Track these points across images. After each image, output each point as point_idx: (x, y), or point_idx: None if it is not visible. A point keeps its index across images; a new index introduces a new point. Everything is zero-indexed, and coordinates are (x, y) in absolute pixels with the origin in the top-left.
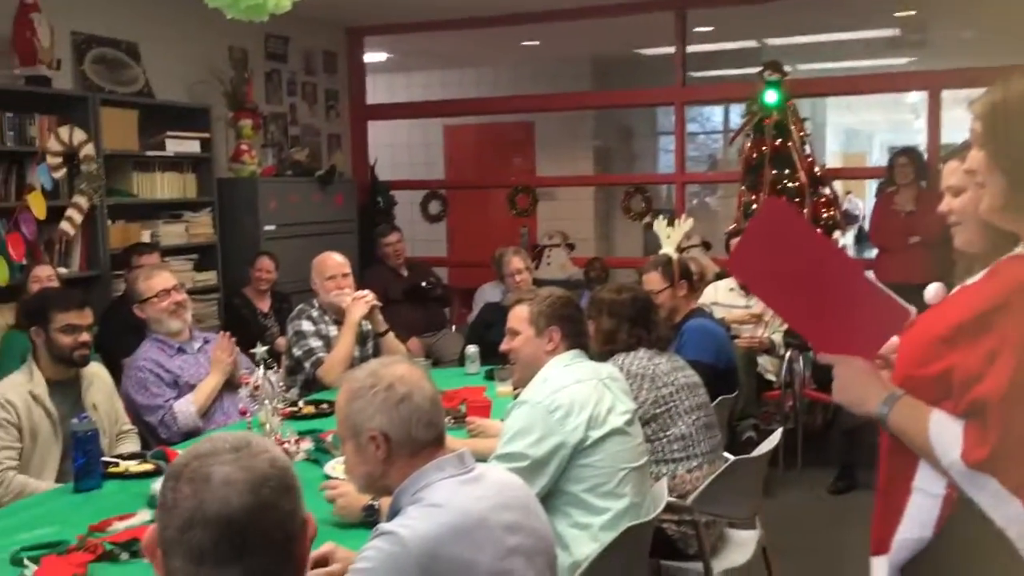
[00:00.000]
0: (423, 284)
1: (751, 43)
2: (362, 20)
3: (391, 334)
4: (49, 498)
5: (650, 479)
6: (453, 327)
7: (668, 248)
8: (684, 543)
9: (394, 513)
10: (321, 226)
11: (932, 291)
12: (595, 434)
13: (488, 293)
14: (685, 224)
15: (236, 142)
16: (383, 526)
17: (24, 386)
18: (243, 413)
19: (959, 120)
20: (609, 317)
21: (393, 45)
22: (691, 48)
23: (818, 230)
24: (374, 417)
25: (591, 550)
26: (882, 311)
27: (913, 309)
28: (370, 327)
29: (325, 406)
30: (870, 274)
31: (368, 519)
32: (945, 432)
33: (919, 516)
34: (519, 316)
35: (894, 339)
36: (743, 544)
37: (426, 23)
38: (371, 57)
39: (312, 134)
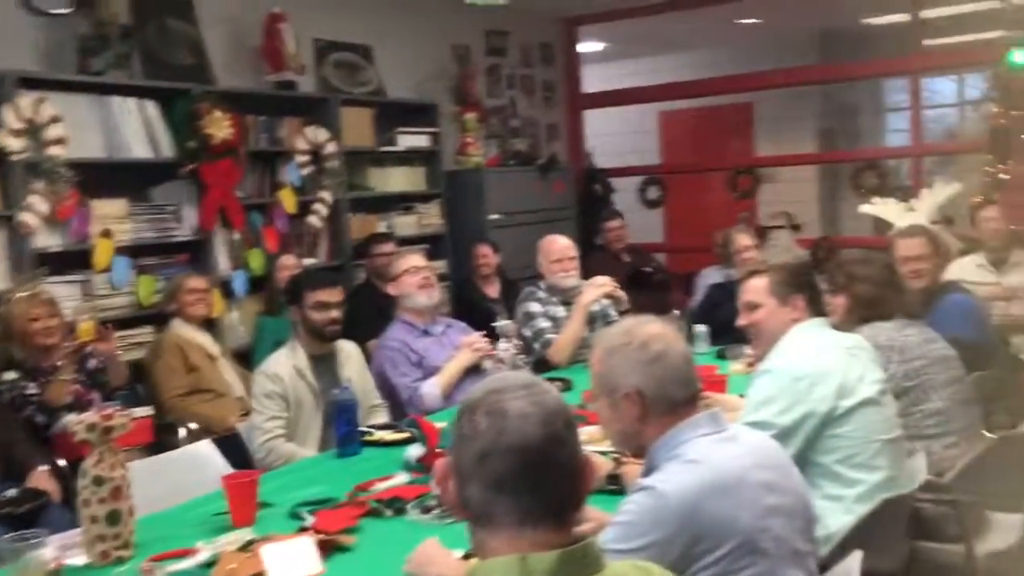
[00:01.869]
0: (645, 269)
1: (992, 3)
2: (577, 9)
3: (629, 315)
4: (316, 463)
5: (905, 454)
6: (675, 311)
7: (917, 219)
8: (942, 524)
9: (650, 469)
10: (542, 214)
11: None
12: (845, 404)
13: (710, 277)
14: (944, 190)
15: (461, 135)
16: (642, 481)
17: (289, 361)
18: None
19: None
20: (863, 284)
21: (608, 34)
22: (926, 13)
23: None
24: (629, 375)
25: (844, 523)
26: None
27: None
28: (599, 308)
29: (559, 383)
30: None
31: (611, 487)
32: None
33: None
34: (757, 288)
35: None
36: (1008, 527)
37: (639, 8)
38: (588, 47)
39: (531, 125)
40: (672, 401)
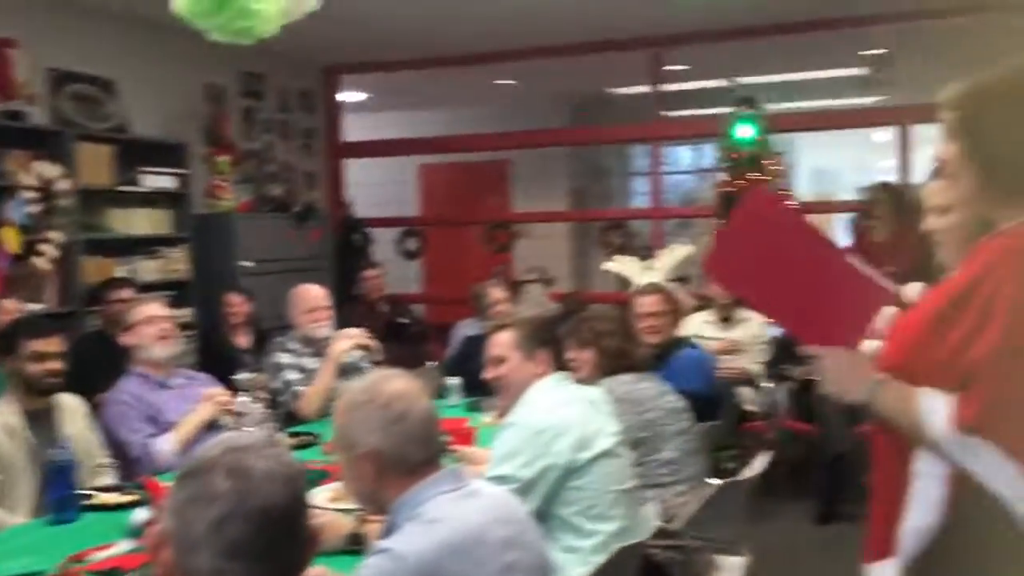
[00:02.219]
0: (401, 320)
1: (724, 82)
2: (339, 59)
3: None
4: (26, 531)
5: (639, 503)
6: (431, 363)
7: (655, 277)
8: (672, 569)
9: (389, 530)
10: (297, 262)
11: (913, 290)
12: (585, 455)
13: (465, 329)
14: (680, 251)
15: (212, 178)
16: (381, 543)
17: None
18: None
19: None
20: (609, 338)
21: (371, 84)
22: (665, 87)
23: (800, 213)
24: (368, 433)
25: (580, 574)
26: (866, 291)
27: (894, 288)
28: (351, 360)
29: (306, 437)
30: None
31: (353, 546)
32: (934, 406)
33: (925, 500)
34: (504, 342)
35: (876, 336)
36: (730, 570)
37: (402, 62)
38: (351, 96)
39: (288, 171)
40: (410, 462)
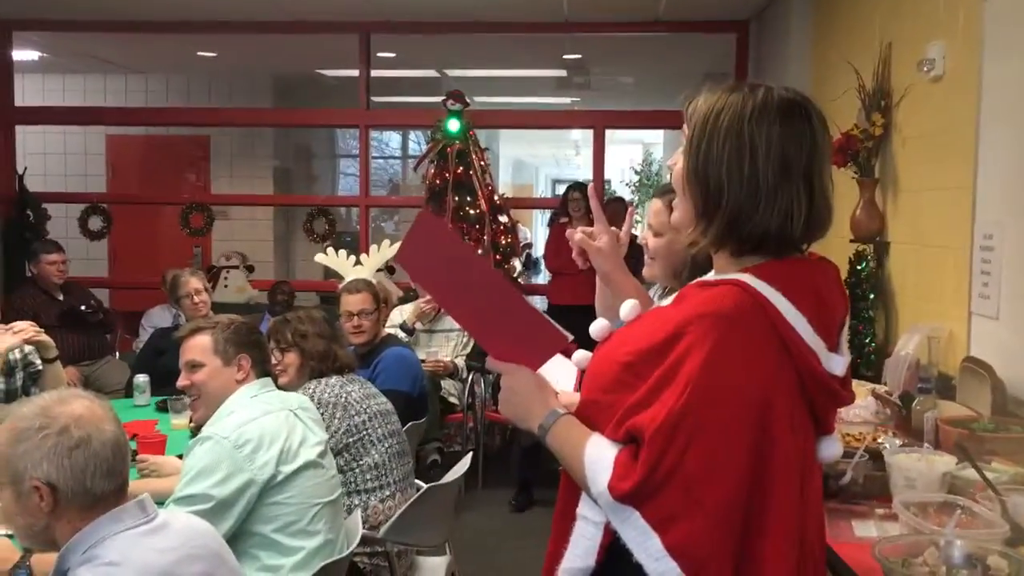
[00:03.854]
0: (82, 308)
1: (432, 73)
2: (9, 12)
3: (58, 363)
4: None
5: (343, 513)
6: (117, 354)
7: (363, 273)
8: (376, 575)
9: (60, 574)
10: None
11: (627, 308)
12: (287, 469)
13: (157, 317)
14: (388, 249)
15: None
16: None
17: None
18: None
19: (616, 159)
20: (313, 340)
21: (49, 43)
22: (375, 73)
23: (469, 246)
24: (40, 464)
25: None
26: (539, 333)
27: (568, 337)
28: (18, 357)
29: None
30: (532, 300)
31: None
32: (600, 459)
33: (582, 544)
34: (200, 347)
35: (581, 353)
36: (434, 571)
37: (87, 23)
38: (23, 55)
39: None
40: (93, 495)
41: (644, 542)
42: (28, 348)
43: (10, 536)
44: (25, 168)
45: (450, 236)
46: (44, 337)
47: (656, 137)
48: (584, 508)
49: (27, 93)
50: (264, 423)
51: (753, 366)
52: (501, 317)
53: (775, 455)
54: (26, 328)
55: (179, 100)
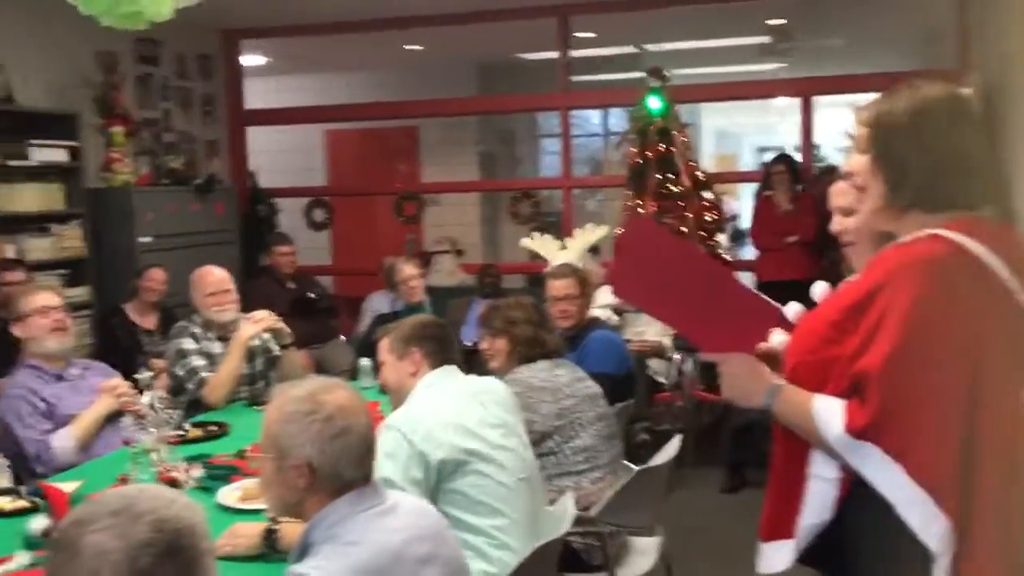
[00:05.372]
0: (309, 295)
1: (631, 49)
2: (238, 23)
3: (293, 348)
4: None
5: (541, 493)
6: (341, 337)
7: (569, 257)
8: (588, 555)
9: (305, 546)
10: (201, 236)
11: (819, 290)
12: (462, 451)
13: (377, 302)
14: (593, 232)
15: (107, 150)
16: (296, 568)
17: None
18: (126, 443)
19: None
20: (522, 326)
21: (272, 48)
22: (574, 53)
23: (683, 239)
24: (304, 445)
25: (484, 569)
26: (754, 310)
27: (780, 307)
28: (259, 343)
29: (214, 428)
30: (740, 276)
31: (269, 545)
32: (829, 411)
33: (818, 500)
34: (382, 347)
35: (779, 335)
36: (645, 551)
37: (305, 27)
38: (250, 61)
39: (188, 141)
40: (343, 480)
41: (887, 475)
42: (266, 336)
43: (253, 513)
44: (256, 166)
45: (662, 234)
46: (281, 325)
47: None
48: (816, 467)
49: (253, 96)
50: (438, 410)
51: (960, 302)
52: (716, 304)
53: (986, 386)
54: (265, 317)
55: (389, 94)
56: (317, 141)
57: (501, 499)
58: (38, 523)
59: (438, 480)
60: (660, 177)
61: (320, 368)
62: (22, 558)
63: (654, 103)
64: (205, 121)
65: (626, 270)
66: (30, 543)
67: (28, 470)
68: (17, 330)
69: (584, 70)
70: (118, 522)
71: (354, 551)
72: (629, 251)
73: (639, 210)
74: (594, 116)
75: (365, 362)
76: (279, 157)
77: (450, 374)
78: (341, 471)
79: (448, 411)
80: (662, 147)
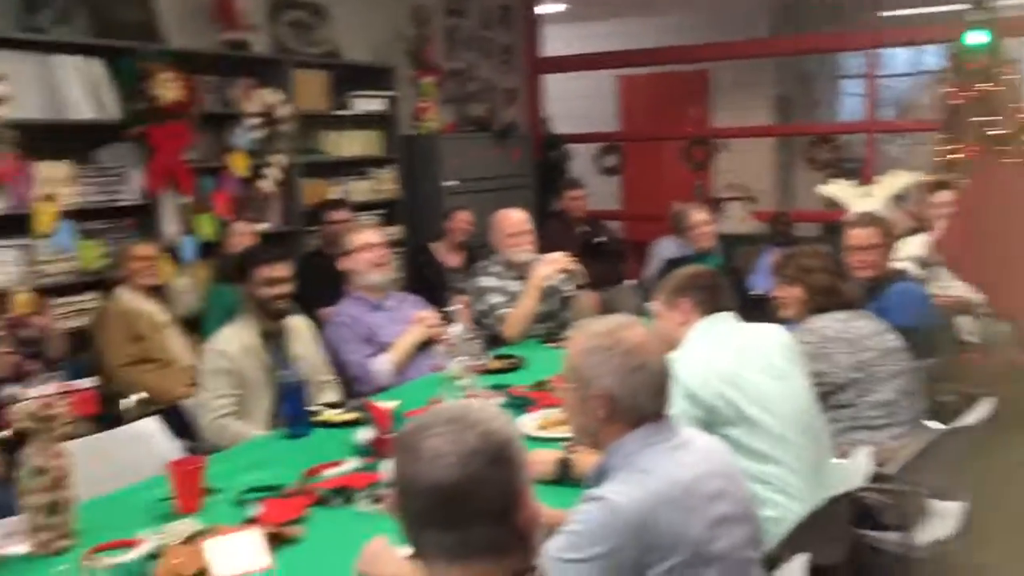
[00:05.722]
0: (599, 239)
1: None
2: None
3: (585, 290)
4: (263, 444)
5: (825, 444)
6: (629, 281)
7: (872, 205)
8: (884, 513)
9: (602, 473)
10: (499, 181)
11: None
12: (734, 400)
13: (665, 248)
14: (899, 179)
15: (418, 100)
16: (594, 491)
17: (238, 337)
18: (436, 369)
19: None
20: (817, 275)
21: None
22: None
23: None
24: (605, 376)
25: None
26: None
27: None
28: (554, 283)
29: (512, 361)
30: None
31: (562, 472)
32: None
33: None
34: (655, 299)
35: None
36: (946, 515)
37: None
38: (549, 8)
39: (489, 89)
40: (640, 412)
41: None
42: (561, 276)
43: (553, 440)
44: (550, 112)
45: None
46: (576, 266)
47: None
48: None
49: (549, 44)
50: (709, 357)
51: None
52: None
53: None
54: (561, 258)
55: (684, 36)
56: (610, 87)
57: (775, 446)
58: (365, 434)
59: (709, 425)
60: (981, 120)
61: (608, 310)
62: (352, 463)
63: (976, 38)
64: (504, 70)
65: (959, 230)
66: (359, 451)
67: (351, 390)
68: (345, 263)
69: (892, 3)
70: (452, 429)
71: (649, 479)
72: (972, 200)
73: (982, 158)
74: (902, 55)
75: (653, 306)
76: (573, 104)
77: (721, 321)
78: (638, 403)
79: (720, 359)
80: (985, 87)
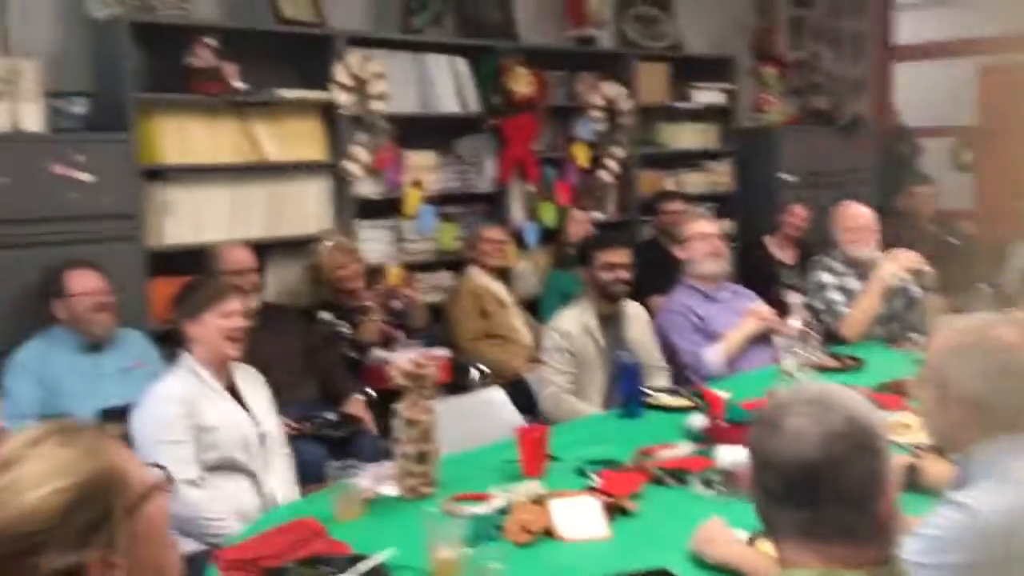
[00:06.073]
0: (950, 240)
1: None
2: None
3: (933, 292)
4: (601, 421)
5: None
6: (983, 285)
7: None
8: None
9: (962, 481)
10: (837, 176)
11: None
12: None
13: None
14: None
15: (758, 92)
16: (954, 495)
17: (578, 318)
18: (769, 363)
19: None
20: None
21: None
22: None
23: None
24: (969, 379)
25: None
26: None
27: None
28: (900, 283)
29: (849, 361)
30: None
31: (910, 481)
32: None
33: None
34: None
35: None
36: None
37: None
38: None
39: (834, 80)
40: (1003, 419)
41: None
42: (907, 276)
43: (900, 446)
44: (902, 104)
45: None
46: (925, 267)
47: None
48: None
49: (903, 31)
50: None
51: None
52: None
53: None
54: (908, 256)
55: None
56: (967, 77)
57: None
58: (698, 420)
59: None
60: None
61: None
62: (685, 447)
63: None
64: (851, 60)
65: None
66: (691, 436)
67: (680, 377)
68: (680, 252)
69: None
70: (814, 410)
71: (1016, 490)
72: None
73: None
74: None
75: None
76: (926, 95)
77: None
78: (1003, 410)
79: None
80: None
